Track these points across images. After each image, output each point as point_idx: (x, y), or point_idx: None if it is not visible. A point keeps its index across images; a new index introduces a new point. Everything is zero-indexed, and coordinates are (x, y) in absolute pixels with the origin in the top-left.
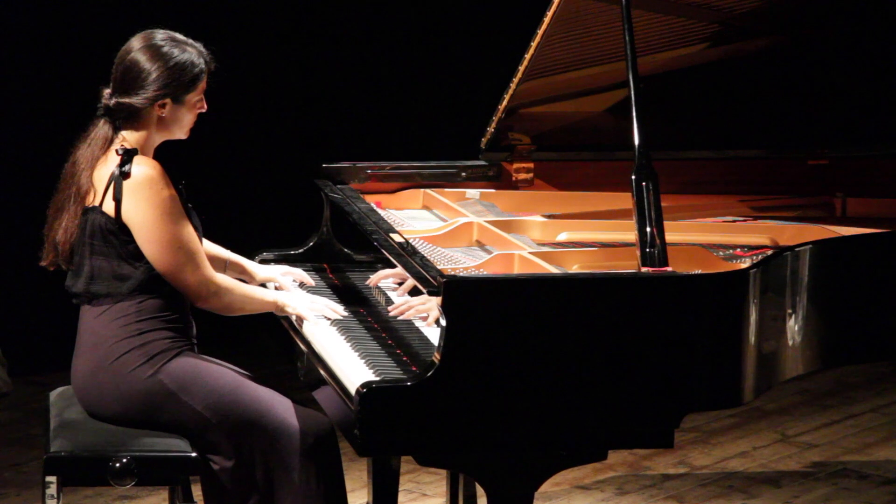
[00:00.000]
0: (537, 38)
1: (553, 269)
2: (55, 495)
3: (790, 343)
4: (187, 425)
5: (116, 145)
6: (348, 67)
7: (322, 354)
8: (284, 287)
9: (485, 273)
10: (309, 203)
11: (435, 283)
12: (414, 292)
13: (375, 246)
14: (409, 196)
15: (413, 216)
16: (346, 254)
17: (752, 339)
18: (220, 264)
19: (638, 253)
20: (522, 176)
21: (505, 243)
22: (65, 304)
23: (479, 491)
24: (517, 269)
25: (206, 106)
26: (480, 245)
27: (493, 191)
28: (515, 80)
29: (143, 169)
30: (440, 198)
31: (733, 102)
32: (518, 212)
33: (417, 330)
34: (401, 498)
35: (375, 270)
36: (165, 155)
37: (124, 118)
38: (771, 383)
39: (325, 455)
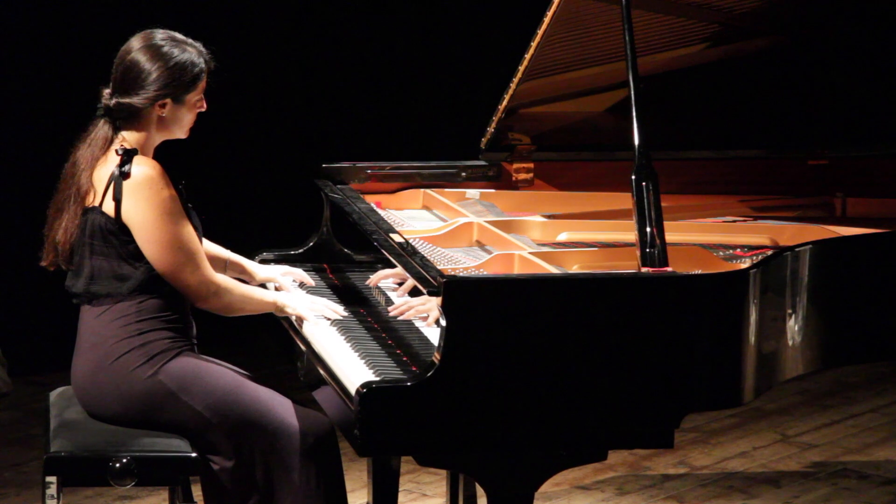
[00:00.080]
0: (537, 38)
1: (553, 270)
2: (55, 495)
3: (790, 343)
4: (187, 425)
5: (116, 145)
6: (348, 67)
7: (322, 354)
8: (284, 287)
9: (485, 273)
10: (309, 203)
11: (435, 284)
12: (414, 293)
13: (375, 246)
14: (409, 196)
15: (413, 216)
16: (346, 254)
17: (752, 339)
18: (220, 264)
19: (638, 253)
20: (522, 176)
21: (505, 243)
22: (65, 304)
23: (479, 491)
24: (517, 270)
25: (205, 105)
26: (480, 245)
27: (493, 191)
28: (515, 80)
29: (143, 169)
30: (440, 198)
31: (733, 102)
32: (518, 212)
33: (417, 330)
34: (401, 498)
35: (375, 270)
36: (165, 155)
37: (124, 118)
38: (771, 383)
39: (325, 455)
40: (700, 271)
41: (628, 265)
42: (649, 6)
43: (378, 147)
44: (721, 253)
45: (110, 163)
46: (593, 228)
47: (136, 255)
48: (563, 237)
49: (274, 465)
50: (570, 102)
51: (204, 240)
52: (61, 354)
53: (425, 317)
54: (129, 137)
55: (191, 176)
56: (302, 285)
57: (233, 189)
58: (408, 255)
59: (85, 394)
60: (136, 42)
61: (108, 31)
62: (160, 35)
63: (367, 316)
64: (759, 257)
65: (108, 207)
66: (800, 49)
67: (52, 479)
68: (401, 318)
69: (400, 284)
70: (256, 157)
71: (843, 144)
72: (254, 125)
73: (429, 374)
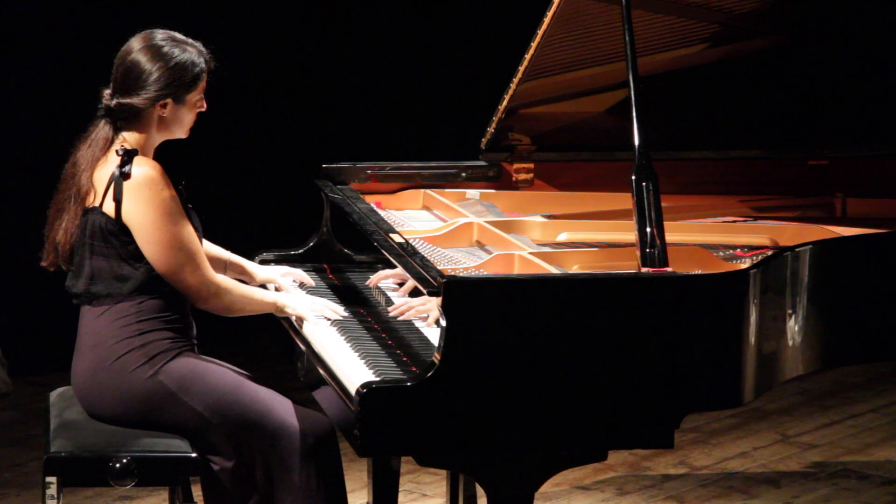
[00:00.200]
0: (537, 39)
1: (553, 270)
2: (55, 496)
3: (790, 343)
4: (187, 426)
5: (117, 146)
6: (348, 67)
7: (322, 355)
8: (284, 288)
9: (485, 273)
10: (309, 203)
11: (435, 284)
12: (414, 294)
13: (375, 246)
14: (409, 196)
15: (413, 216)
16: (346, 254)
17: (753, 339)
18: (221, 265)
19: (638, 253)
20: (522, 176)
21: (505, 244)
22: (65, 304)
23: (479, 491)
24: (517, 270)
25: (206, 105)
26: (480, 245)
27: (493, 191)
28: (515, 80)
29: (144, 169)
30: (440, 198)
31: (733, 102)
32: (518, 212)
33: (417, 330)
34: (401, 498)
35: (375, 271)
36: (165, 155)
37: (125, 118)
38: (771, 383)
39: (325, 455)
40: (700, 271)
41: (628, 265)
42: (649, 6)
43: (378, 147)
44: (721, 253)
45: (111, 163)
46: (593, 229)
47: (137, 256)
48: (563, 237)
49: (274, 466)
50: (570, 103)
51: (204, 240)
52: (61, 355)
53: (425, 317)
54: (129, 138)
55: (191, 176)
56: (302, 286)
57: (233, 189)
58: (408, 256)
59: (85, 394)
60: (136, 42)
61: (108, 31)
62: (160, 35)
63: (367, 316)
64: (760, 257)
65: (109, 208)
66: (800, 49)
67: (52, 479)
68: (401, 318)
69: (400, 285)
70: (256, 157)
71: (843, 144)
72: (254, 125)
73: (429, 375)
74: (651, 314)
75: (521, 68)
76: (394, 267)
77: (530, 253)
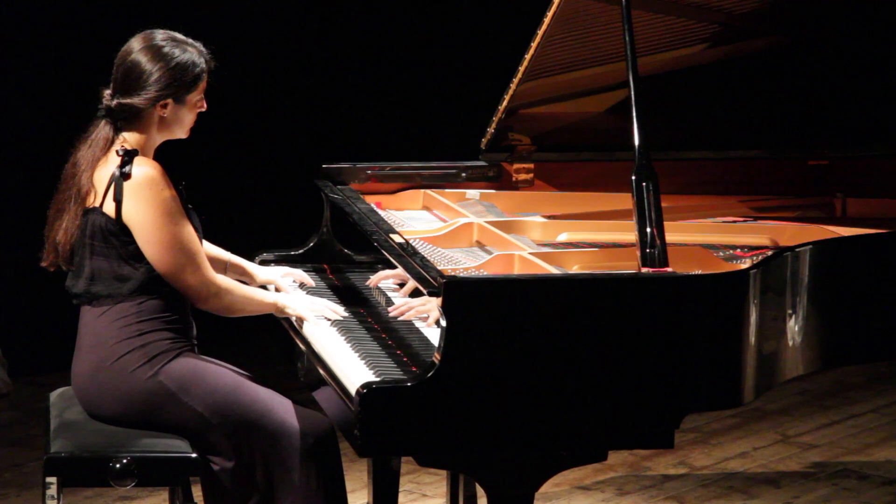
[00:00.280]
0: (537, 39)
1: (553, 270)
2: (55, 496)
3: (790, 343)
4: (187, 426)
5: (117, 146)
6: (348, 67)
7: (322, 355)
8: (284, 288)
9: (485, 274)
10: (309, 203)
11: (435, 284)
12: (414, 294)
13: (375, 246)
14: (409, 197)
15: (413, 217)
16: (346, 254)
17: (753, 339)
18: (221, 266)
19: (638, 253)
20: (522, 176)
21: (505, 244)
22: (65, 304)
23: (480, 491)
24: (517, 270)
25: (206, 105)
26: (480, 245)
27: (493, 191)
28: (515, 80)
29: (144, 170)
30: (440, 198)
31: (733, 103)
32: (518, 212)
33: (417, 330)
34: (401, 498)
35: (375, 271)
36: (166, 155)
37: (125, 119)
38: (771, 384)
39: (326, 455)
40: (700, 271)
41: (628, 265)
42: (649, 6)
43: (378, 147)
44: (721, 253)
45: (111, 163)
46: (593, 229)
47: (137, 256)
48: (563, 237)
49: (274, 466)
50: (571, 103)
51: (204, 241)
52: (61, 355)
53: (425, 317)
54: (129, 138)
55: (191, 176)
56: (302, 286)
57: (233, 189)
58: (408, 256)
59: (85, 394)
60: (136, 43)
61: (108, 31)
62: (160, 35)
63: (367, 316)
64: (760, 257)
65: (109, 208)
66: (800, 49)
67: (52, 479)
68: (401, 318)
69: (400, 285)
70: (256, 157)
71: (843, 144)
72: (254, 125)
73: (429, 375)
74: (651, 314)
75: (521, 68)
76: (394, 267)
77: (530, 253)
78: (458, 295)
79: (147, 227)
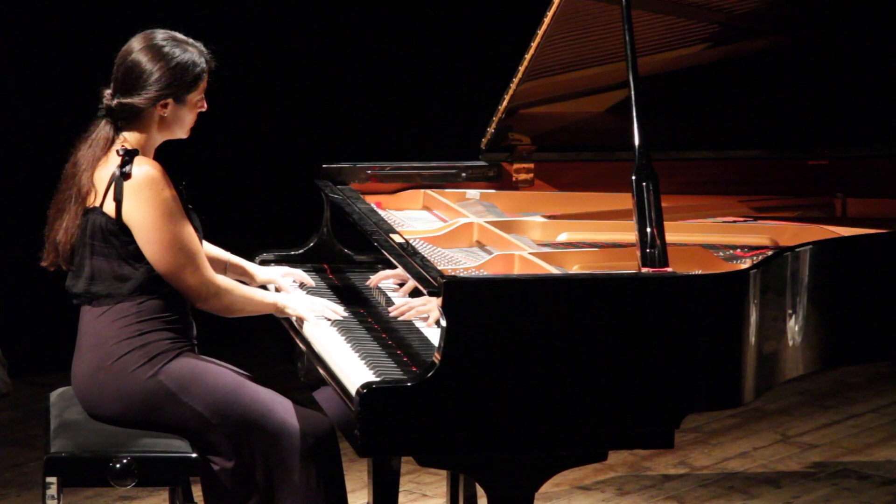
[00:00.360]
0: (537, 39)
1: (553, 270)
2: (55, 496)
3: (790, 343)
4: (188, 426)
5: (117, 146)
6: (348, 67)
7: (322, 355)
8: (284, 288)
9: (485, 273)
10: (309, 203)
11: (435, 284)
12: (414, 294)
13: (376, 246)
14: (409, 196)
15: (413, 217)
16: (346, 254)
17: (753, 339)
18: (221, 266)
19: (638, 253)
20: (522, 176)
21: (505, 244)
22: (65, 304)
23: (480, 491)
24: (517, 270)
25: (206, 105)
26: (481, 245)
27: (493, 191)
28: (515, 80)
29: (144, 169)
30: (440, 198)
31: (733, 103)
32: (518, 212)
33: (418, 330)
34: (401, 498)
35: (376, 271)
36: (166, 155)
37: (125, 118)
38: (771, 383)
39: (326, 455)
40: (700, 271)
41: (628, 265)
42: (649, 6)
43: (378, 147)
44: (721, 253)
45: (111, 163)
46: (593, 229)
47: (137, 256)
48: (563, 237)
49: (274, 466)
50: (571, 103)
51: (204, 241)
52: (61, 355)
53: (425, 317)
54: (130, 138)
55: (191, 176)
56: (302, 286)
57: (233, 189)
58: (408, 256)
59: (85, 394)
60: (136, 42)
61: (109, 31)
62: (161, 35)
63: (367, 316)
64: (760, 257)
65: (109, 208)
66: (800, 49)
67: (52, 479)
68: (401, 318)
69: (400, 285)
70: (256, 157)
71: (843, 144)
72: (254, 125)
73: (429, 375)
74: (651, 314)
75: (521, 68)
76: (394, 267)
77: (530, 253)
78: (459, 295)
79: (147, 227)
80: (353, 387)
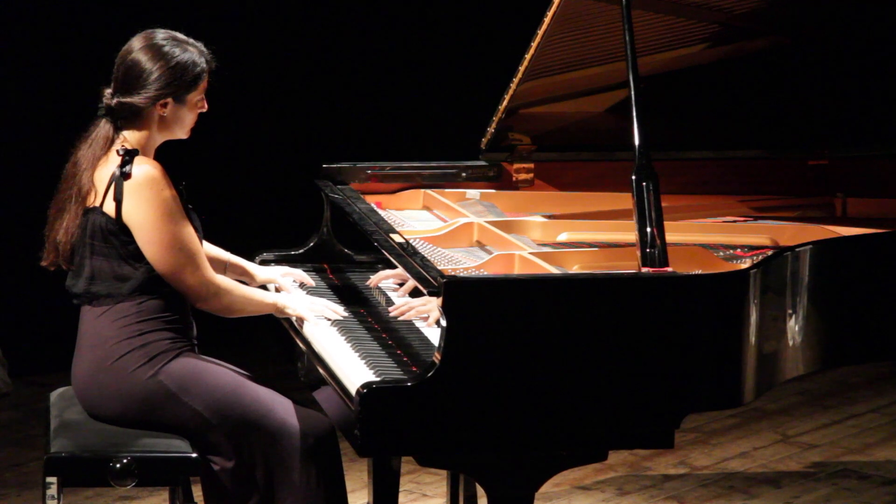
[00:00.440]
0: (537, 39)
1: (553, 270)
2: (56, 496)
3: (790, 343)
4: (188, 426)
5: (117, 145)
6: (348, 67)
7: (322, 355)
8: (284, 288)
9: (485, 273)
10: (309, 203)
11: (435, 284)
12: (414, 294)
13: (376, 246)
14: (409, 196)
15: (413, 216)
16: (346, 254)
17: (753, 339)
18: (221, 266)
19: (638, 253)
20: (523, 176)
21: (505, 244)
22: (65, 304)
23: (480, 491)
24: (517, 270)
25: (206, 106)
26: (481, 245)
27: (493, 191)
28: (515, 80)
29: (144, 169)
30: (440, 198)
31: (733, 102)
32: (518, 212)
33: (418, 330)
34: (401, 498)
35: (376, 271)
36: (166, 155)
37: (125, 118)
38: (771, 383)
39: (326, 455)
40: (700, 271)
41: (628, 265)
42: (649, 6)
43: (378, 147)
44: (721, 253)
45: (111, 163)
46: (593, 229)
47: (137, 256)
48: (563, 237)
49: (274, 466)
50: (571, 102)
51: (204, 241)
52: (62, 355)
53: (426, 317)
54: (130, 137)
55: (191, 176)
56: (302, 286)
57: (233, 189)
58: (408, 256)
59: (85, 394)
60: (137, 42)
61: (109, 31)
62: (161, 35)
63: (367, 316)
64: (760, 257)
65: (109, 208)
66: (800, 49)
67: (52, 479)
68: (401, 318)
69: (400, 285)
70: (256, 157)
71: (843, 144)
72: (254, 125)
73: (429, 375)
74: (651, 314)
75: (521, 68)
76: (394, 267)
77: (530, 253)
78: (459, 295)
79: (147, 227)
80: (353, 387)
